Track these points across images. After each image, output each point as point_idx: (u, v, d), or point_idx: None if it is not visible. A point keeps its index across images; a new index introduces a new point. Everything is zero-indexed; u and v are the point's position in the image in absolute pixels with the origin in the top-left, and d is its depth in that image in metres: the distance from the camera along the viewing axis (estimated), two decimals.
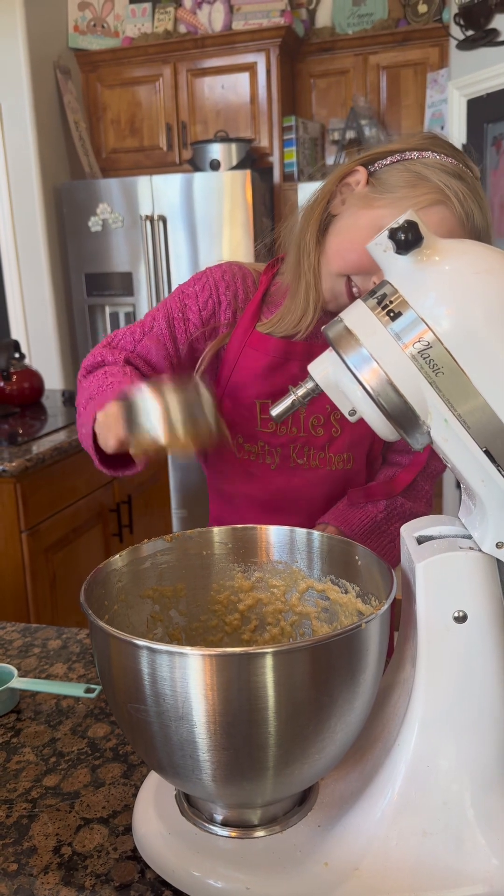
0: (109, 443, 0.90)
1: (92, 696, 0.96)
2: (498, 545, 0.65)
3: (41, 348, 3.83)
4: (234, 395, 1.13)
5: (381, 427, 0.67)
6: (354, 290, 1.04)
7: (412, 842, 0.67)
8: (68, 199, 3.68)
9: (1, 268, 3.84)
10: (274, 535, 0.85)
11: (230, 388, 1.13)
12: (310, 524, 1.16)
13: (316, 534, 0.84)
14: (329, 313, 1.08)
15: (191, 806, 0.74)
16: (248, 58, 3.63)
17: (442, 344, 0.61)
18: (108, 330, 3.84)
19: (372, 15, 3.66)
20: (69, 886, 0.69)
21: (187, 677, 0.60)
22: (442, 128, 3.37)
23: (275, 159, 3.74)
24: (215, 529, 0.86)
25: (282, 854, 0.68)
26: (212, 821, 0.72)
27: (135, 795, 0.80)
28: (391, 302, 0.63)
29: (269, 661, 0.60)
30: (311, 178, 3.71)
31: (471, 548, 0.67)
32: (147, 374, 1.08)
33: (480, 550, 0.66)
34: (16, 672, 0.98)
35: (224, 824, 0.71)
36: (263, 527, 0.86)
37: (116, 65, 3.85)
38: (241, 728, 0.61)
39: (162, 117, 3.84)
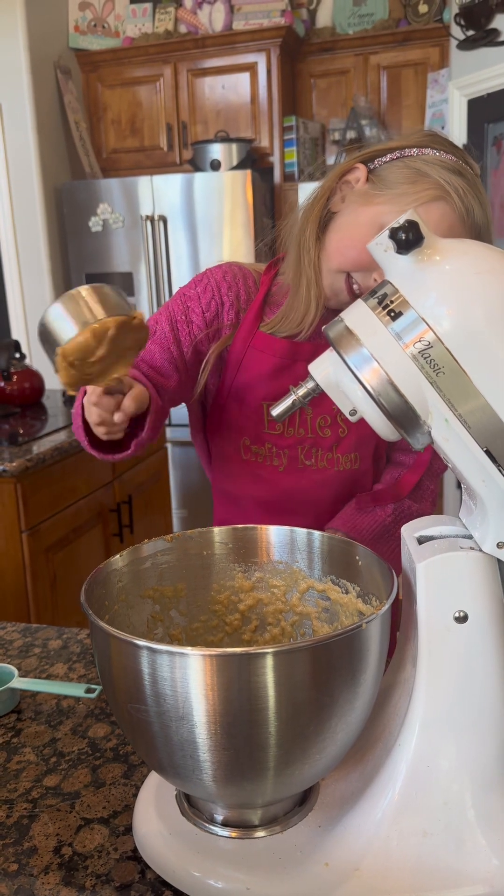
0: (92, 416, 0.90)
1: (92, 696, 0.96)
2: (499, 545, 0.65)
3: (41, 348, 3.82)
4: (240, 396, 1.12)
5: (382, 427, 0.67)
6: (355, 286, 1.04)
7: (413, 842, 0.67)
8: (69, 199, 3.68)
9: (1, 268, 3.84)
10: (274, 535, 0.85)
11: (235, 390, 1.12)
12: (317, 525, 1.15)
13: (316, 534, 0.84)
14: (332, 312, 1.08)
15: (191, 806, 0.74)
16: (249, 58, 3.63)
17: (443, 344, 0.61)
18: None
19: (372, 15, 3.66)
20: (69, 887, 0.69)
21: (188, 677, 0.60)
22: (443, 128, 3.37)
23: (275, 159, 3.74)
24: (216, 529, 0.86)
25: (282, 854, 0.68)
26: (212, 821, 0.72)
27: (135, 795, 0.80)
28: (392, 302, 0.63)
29: (269, 662, 0.60)
30: (311, 178, 3.71)
31: (471, 548, 0.66)
32: (151, 378, 1.09)
33: (481, 550, 0.66)
34: (16, 672, 0.98)
35: (224, 824, 0.71)
36: (264, 527, 0.86)
37: (117, 65, 3.85)
38: (242, 728, 0.61)
39: (162, 117, 3.84)
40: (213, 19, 3.68)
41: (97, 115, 3.94)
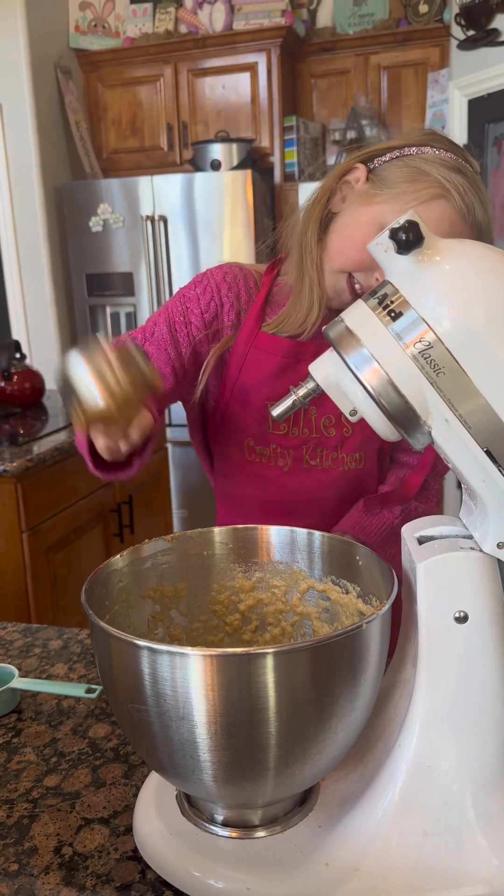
0: (99, 441, 0.90)
1: (93, 696, 0.96)
2: (499, 545, 0.65)
3: (42, 348, 3.83)
4: (243, 397, 1.12)
5: (382, 427, 0.67)
6: (357, 286, 1.04)
7: (413, 842, 0.67)
8: (69, 200, 3.68)
9: (2, 268, 3.84)
10: (275, 536, 0.85)
11: (238, 391, 1.12)
12: (323, 526, 1.15)
13: (317, 534, 0.84)
14: (334, 311, 1.08)
15: (191, 806, 0.74)
16: (249, 58, 3.63)
17: (443, 344, 0.61)
18: (109, 330, 3.84)
19: (373, 15, 3.66)
20: (70, 887, 0.69)
21: (188, 677, 0.60)
22: (443, 128, 3.37)
23: (276, 159, 3.73)
24: (216, 529, 0.86)
25: (282, 854, 0.68)
26: (212, 821, 0.72)
27: (135, 796, 0.80)
28: (392, 302, 0.63)
29: (269, 662, 0.60)
30: (311, 178, 3.71)
31: (472, 548, 0.66)
32: None
33: (481, 551, 0.66)
34: (17, 672, 0.98)
35: (225, 824, 0.71)
36: (264, 527, 0.86)
37: (117, 65, 3.85)
38: (242, 728, 0.61)
39: (163, 117, 3.84)
40: (213, 19, 3.68)
41: (97, 115, 3.94)
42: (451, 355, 0.61)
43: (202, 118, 3.79)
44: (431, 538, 0.71)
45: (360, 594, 0.79)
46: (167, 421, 3.21)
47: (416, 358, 0.61)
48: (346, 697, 0.64)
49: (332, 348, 0.68)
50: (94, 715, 0.95)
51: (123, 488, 2.60)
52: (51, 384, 2.88)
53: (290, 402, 0.76)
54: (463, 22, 3.08)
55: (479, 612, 0.65)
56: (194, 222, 3.51)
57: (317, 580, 0.84)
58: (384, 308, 0.63)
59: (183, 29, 3.79)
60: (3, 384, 2.70)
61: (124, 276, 3.68)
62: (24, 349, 3.76)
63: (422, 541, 0.71)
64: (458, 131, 3.27)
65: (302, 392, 0.75)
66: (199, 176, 3.47)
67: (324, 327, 0.69)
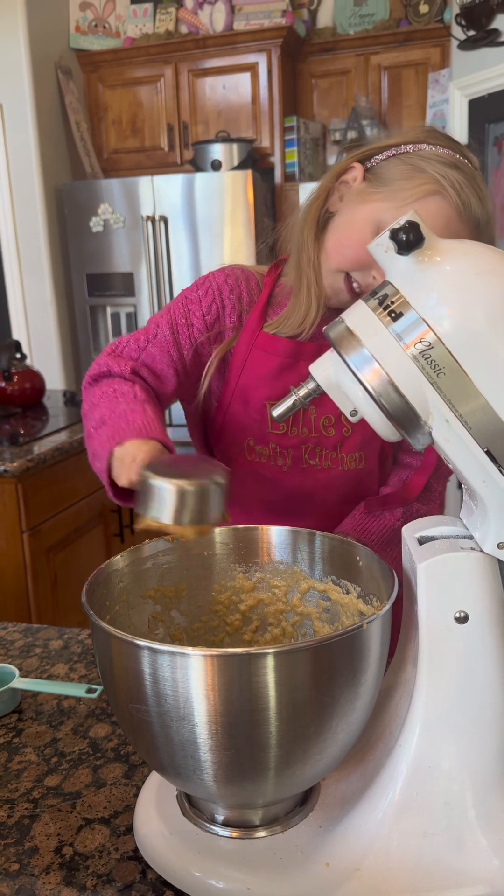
0: (122, 481, 0.90)
1: (93, 696, 0.96)
2: (499, 546, 0.65)
3: (42, 348, 3.83)
4: (244, 397, 1.12)
5: (383, 427, 0.67)
6: (355, 285, 1.04)
7: (413, 842, 0.67)
8: (69, 200, 3.68)
9: (2, 268, 3.84)
10: (275, 536, 0.85)
11: (239, 391, 1.12)
12: (324, 526, 1.15)
13: (318, 534, 0.84)
14: (334, 311, 1.08)
15: (192, 806, 0.74)
16: (250, 58, 3.63)
17: (443, 344, 0.61)
18: (110, 330, 3.84)
19: (373, 15, 3.66)
20: (70, 887, 0.69)
21: (189, 678, 0.60)
22: (443, 128, 3.37)
23: (276, 159, 3.74)
24: (217, 530, 0.86)
25: (283, 854, 0.68)
26: (213, 821, 0.72)
27: (136, 796, 0.80)
28: (392, 302, 0.63)
29: (270, 662, 0.60)
30: (312, 178, 3.71)
31: (472, 548, 0.67)
32: (152, 384, 1.09)
33: (482, 551, 0.66)
34: (17, 672, 0.98)
35: (225, 824, 0.71)
36: (265, 527, 0.86)
37: (118, 65, 3.85)
38: (243, 728, 0.61)
39: (163, 117, 3.84)
40: (213, 20, 3.68)
41: (98, 116, 3.94)
42: (452, 356, 0.61)
43: (202, 118, 3.80)
44: (432, 538, 0.71)
45: (360, 594, 0.79)
46: (167, 421, 3.20)
47: (417, 358, 0.62)
48: (346, 697, 0.64)
49: (332, 349, 0.68)
50: (94, 715, 0.95)
51: None
52: (51, 384, 2.88)
53: (291, 402, 0.76)
54: (463, 22, 3.08)
55: (480, 613, 0.65)
56: (195, 222, 3.51)
57: (317, 580, 0.84)
58: (384, 308, 0.63)
59: (183, 29, 3.79)
60: (3, 384, 2.70)
61: (125, 276, 3.68)
62: (25, 349, 3.76)
63: (422, 541, 0.71)
64: (459, 131, 3.27)
65: (302, 392, 0.75)
66: (199, 176, 3.47)
67: (324, 328, 0.69)
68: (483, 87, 3.13)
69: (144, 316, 3.70)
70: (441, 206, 0.97)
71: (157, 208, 3.54)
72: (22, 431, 2.39)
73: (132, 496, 0.99)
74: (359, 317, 0.65)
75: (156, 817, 0.74)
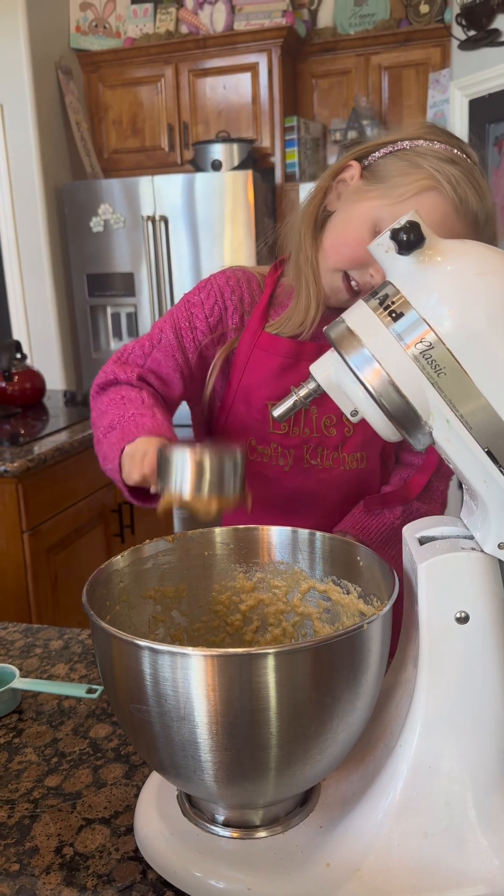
0: (133, 476, 0.91)
1: (93, 696, 0.96)
2: (500, 546, 0.65)
3: (43, 349, 3.83)
4: (246, 397, 1.12)
5: (383, 427, 0.67)
6: (353, 283, 1.04)
7: (414, 842, 0.67)
8: (70, 200, 3.68)
9: (3, 268, 3.84)
10: (276, 536, 0.85)
11: (241, 391, 1.13)
12: (325, 525, 1.15)
13: (318, 534, 0.84)
14: (334, 311, 1.08)
15: (192, 806, 0.74)
16: (250, 58, 3.64)
17: (444, 344, 0.61)
18: (110, 330, 3.84)
19: (374, 15, 3.66)
20: (71, 887, 0.69)
21: (189, 678, 0.60)
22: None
23: (276, 160, 3.74)
24: (217, 530, 0.86)
25: (284, 855, 0.68)
26: (213, 821, 0.72)
27: (136, 796, 0.80)
28: (393, 303, 0.63)
29: (270, 662, 0.60)
30: (312, 179, 3.71)
31: (473, 548, 0.66)
32: (159, 390, 1.10)
33: (482, 551, 0.66)
34: (17, 672, 0.98)
35: (226, 825, 0.71)
36: (265, 527, 0.86)
37: (118, 65, 3.85)
38: (243, 728, 0.61)
39: (164, 118, 3.84)
40: (214, 20, 3.68)
41: (98, 116, 3.94)
42: (453, 356, 0.61)
43: (203, 118, 3.80)
44: (432, 538, 0.71)
45: (361, 594, 0.79)
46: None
47: (417, 358, 0.61)
48: (347, 698, 0.64)
49: (333, 349, 0.68)
50: (94, 715, 0.95)
51: None
52: (51, 384, 2.88)
53: (291, 402, 0.76)
54: (464, 22, 3.08)
55: (480, 613, 0.65)
56: (195, 222, 3.51)
57: (318, 580, 0.84)
58: (385, 308, 0.63)
59: (184, 29, 3.79)
60: (3, 384, 2.70)
61: (125, 276, 3.68)
62: (25, 349, 3.76)
63: (423, 541, 0.71)
64: (460, 131, 3.26)
65: (303, 392, 0.75)
66: (199, 176, 3.47)
67: (325, 328, 0.69)
68: (484, 87, 3.13)
69: (145, 316, 3.70)
70: (437, 201, 0.96)
71: (158, 208, 3.54)
72: (22, 431, 2.39)
73: (148, 496, 1.00)
74: (359, 317, 0.65)
75: (156, 817, 0.74)
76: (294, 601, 0.85)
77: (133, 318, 3.76)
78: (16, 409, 2.64)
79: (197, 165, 3.67)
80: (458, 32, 3.15)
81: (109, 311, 3.81)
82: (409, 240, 0.61)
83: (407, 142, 1.00)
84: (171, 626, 0.84)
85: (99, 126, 3.95)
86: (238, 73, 3.68)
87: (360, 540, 1.12)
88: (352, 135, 3.65)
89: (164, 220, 3.53)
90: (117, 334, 3.83)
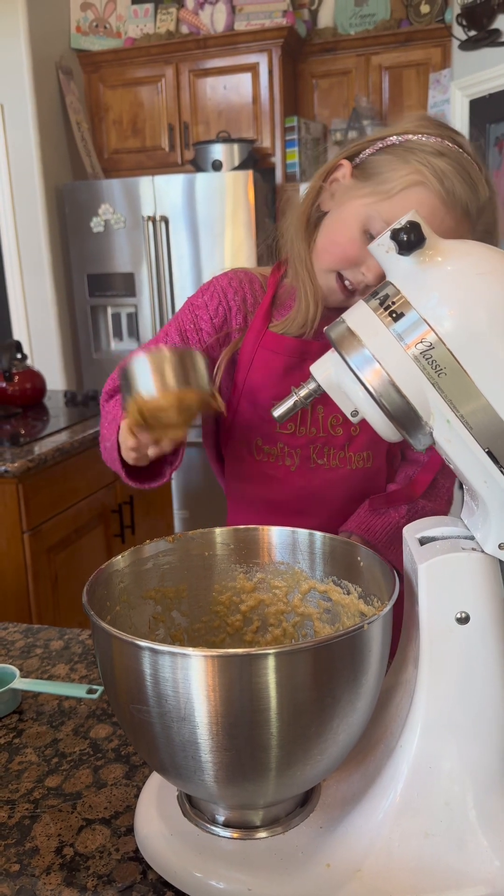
0: (129, 456, 0.91)
1: (94, 696, 0.96)
2: (500, 546, 0.65)
3: (43, 349, 3.83)
4: (251, 397, 1.13)
5: (383, 428, 0.67)
6: (347, 283, 1.04)
7: (414, 843, 0.67)
8: (70, 200, 3.68)
9: (3, 268, 3.84)
10: (276, 536, 0.85)
11: (247, 391, 1.13)
12: (331, 525, 1.15)
13: (318, 534, 0.83)
14: (335, 310, 1.08)
15: (193, 807, 0.74)
16: (251, 58, 3.63)
17: (444, 345, 0.61)
18: (111, 330, 3.84)
19: (374, 15, 3.66)
20: (71, 887, 0.69)
21: (189, 678, 0.60)
22: None
23: (277, 160, 3.74)
24: (217, 530, 0.86)
25: (284, 855, 0.68)
26: (214, 822, 0.72)
27: (137, 796, 0.80)
28: (393, 303, 0.63)
29: (271, 663, 0.60)
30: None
31: (473, 549, 0.66)
32: None
33: (483, 551, 0.66)
34: (18, 673, 0.98)
35: (226, 825, 0.71)
36: (265, 527, 0.86)
37: (118, 65, 3.85)
38: (244, 729, 0.61)
39: (164, 118, 3.84)
40: (214, 20, 3.68)
41: (99, 116, 3.94)
42: (453, 356, 0.61)
43: (203, 118, 3.80)
44: (433, 539, 0.71)
45: (361, 595, 0.79)
46: None
47: (418, 358, 0.61)
48: (347, 698, 0.64)
49: (333, 349, 0.68)
50: (95, 716, 0.95)
51: (124, 489, 2.60)
52: (52, 385, 2.89)
53: (292, 402, 0.76)
54: (464, 22, 3.08)
55: (481, 613, 0.65)
56: (195, 223, 3.51)
57: (318, 581, 0.84)
58: (385, 309, 0.63)
59: (184, 29, 3.79)
60: (4, 384, 2.70)
61: (125, 276, 3.68)
62: (26, 349, 3.76)
63: (423, 541, 0.71)
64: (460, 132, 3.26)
65: (303, 392, 0.75)
66: (200, 176, 3.47)
67: (325, 328, 0.69)
68: (484, 87, 3.13)
69: (145, 316, 3.70)
70: (423, 196, 0.95)
71: (158, 208, 3.54)
72: (23, 432, 2.39)
73: (146, 475, 1.00)
74: (360, 317, 0.65)
75: (156, 818, 0.73)
76: (294, 601, 0.85)
77: (133, 319, 3.76)
78: (16, 410, 2.64)
79: (197, 165, 3.67)
80: (459, 32, 3.15)
81: (110, 311, 3.81)
82: (410, 240, 0.61)
83: (396, 137, 0.99)
84: (172, 627, 0.84)
85: (99, 126, 3.95)
86: (238, 73, 3.68)
87: (366, 540, 1.12)
88: (352, 135, 3.65)
89: (165, 220, 3.53)
90: (118, 334, 3.83)
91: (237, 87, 3.70)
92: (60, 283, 3.82)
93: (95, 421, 2.52)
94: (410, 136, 0.98)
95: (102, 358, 3.80)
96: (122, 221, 3.61)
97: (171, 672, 0.60)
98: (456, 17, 3.15)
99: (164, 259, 3.58)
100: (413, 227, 0.61)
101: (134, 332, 3.77)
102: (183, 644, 0.85)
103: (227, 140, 3.62)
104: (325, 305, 1.08)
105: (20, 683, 0.97)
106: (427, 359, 0.61)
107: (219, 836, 0.71)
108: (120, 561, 0.79)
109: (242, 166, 3.58)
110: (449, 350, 0.61)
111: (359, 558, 0.79)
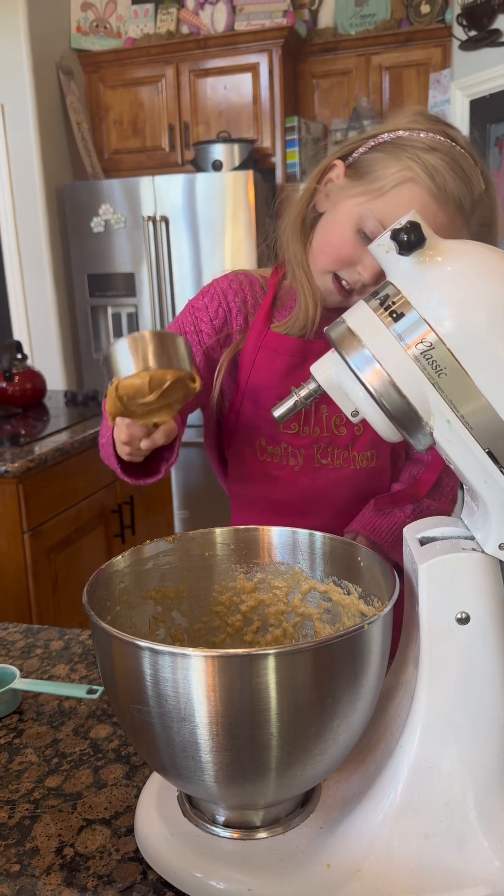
0: (121, 435, 0.91)
1: (94, 697, 0.96)
2: (501, 546, 0.65)
3: (43, 349, 3.83)
4: (254, 397, 1.13)
5: (384, 428, 0.67)
6: (343, 283, 1.04)
7: (414, 843, 0.67)
8: (71, 200, 3.68)
9: (3, 268, 3.84)
10: (276, 536, 0.85)
11: (249, 391, 1.13)
12: (335, 525, 1.15)
13: (318, 535, 0.83)
14: (335, 310, 1.08)
15: (193, 807, 0.74)
16: (251, 58, 3.64)
17: (444, 345, 0.61)
18: (111, 330, 3.84)
19: (374, 15, 3.66)
20: (71, 887, 0.69)
21: (189, 678, 0.60)
22: None
23: (277, 160, 3.74)
24: (217, 530, 0.86)
25: (284, 855, 0.68)
26: (214, 822, 0.71)
27: (137, 796, 0.80)
28: (394, 303, 0.63)
29: (271, 663, 0.60)
30: None
31: (473, 549, 0.66)
32: None
33: (483, 552, 0.66)
34: (18, 673, 0.98)
35: (226, 825, 0.71)
36: (266, 528, 0.86)
37: (119, 65, 3.85)
38: (244, 729, 0.61)
39: (164, 118, 3.84)
40: (215, 20, 3.68)
41: (99, 116, 3.94)
42: (453, 356, 0.61)
43: (204, 118, 3.80)
44: (433, 539, 0.71)
45: (361, 595, 0.79)
46: None
47: (418, 359, 0.61)
48: (347, 698, 0.64)
49: (333, 349, 0.68)
50: (95, 716, 0.95)
51: (125, 489, 2.60)
52: (52, 385, 2.89)
53: (292, 402, 0.76)
54: (465, 22, 3.08)
55: (481, 614, 0.65)
56: (196, 223, 3.51)
57: (318, 581, 0.84)
58: (386, 309, 0.63)
59: (184, 29, 3.79)
60: (4, 385, 2.70)
61: (126, 276, 3.68)
62: (26, 349, 3.76)
63: (423, 542, 0.71)
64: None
65: (303, 393, 0.75)
66: (200, 176, 3.47)
67: (326, 328, 0.69)
68: (484, 87, 3.13)
69: (146, 316, 3.70)
70: (414, 192, 0.95)
71: (158, 209, 3.54)
72: (23, 432, 2.39)
73: (143, 471, 1.00)
74: (360, 317, 0.65)
75: (157, 818, 0.73)
76: (295, 602, 0.85)
77: (134, 319, 3.76)
78: (16, 410, 2.64)
79: (198, 166, 3.67)
80: (459, 32, 3.15)
81: (110, 311, 3.81)
82: (410, 240, 0.61)
83: (388, 134, 0.99)
84: (172, 627, 0.84)
85: (100, 126, 3.95)
86: (239, 73, 3.68)
87: (371, 541, 1.12)
88: (352, 135, 3.64)
89: (165, 220, 3.53)
90: (118, 335, 3.83)
91: (237, 87, 3.70)
92: (61, 284, 3.82)
93: (95, 421, 2.52)
94: (402, 133, 0.98)
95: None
96: (122, 221, 3.61)
97: (171, 672, 0.60)
98: (456, 17, 3.15)
99: (164, 259, 3.58)
100: (413, 228, 0.61)
101: (134, 332, 3.77)
102: (183, 644, 0.85)
103: (228, 140, 3.62)
104: (325, 306, 1.08)
105: (20, 684, 0.97)
106: (427, 359, 0.61)
107: (219, 836, 0.71)
108: (120, 561, 0.79)
109: (243, 166, 3.58)
110: (449, 350, 0.61)
111: (359, 558, 0.79)
